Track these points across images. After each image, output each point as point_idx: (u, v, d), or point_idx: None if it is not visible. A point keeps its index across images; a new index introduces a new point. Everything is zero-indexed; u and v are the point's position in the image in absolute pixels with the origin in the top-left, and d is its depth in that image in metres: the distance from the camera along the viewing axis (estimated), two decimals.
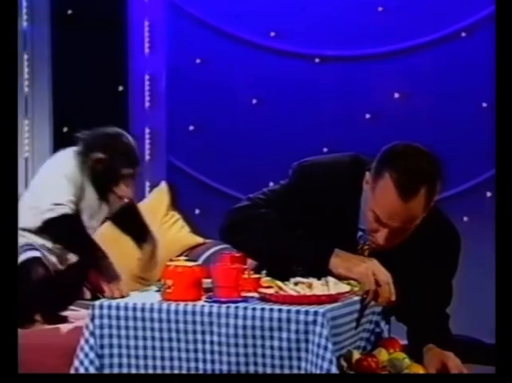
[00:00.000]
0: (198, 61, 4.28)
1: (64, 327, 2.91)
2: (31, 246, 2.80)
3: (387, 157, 2.40)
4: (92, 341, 2.30)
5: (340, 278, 2.36)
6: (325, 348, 2.17)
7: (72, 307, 3.28)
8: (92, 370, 2.30)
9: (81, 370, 2.31)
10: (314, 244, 2.40)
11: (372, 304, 2.36)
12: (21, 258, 2.78)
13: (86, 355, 2.31)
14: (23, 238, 2.82)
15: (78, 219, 2.79)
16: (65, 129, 4.32)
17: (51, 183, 2.82)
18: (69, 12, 4.29)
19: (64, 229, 2.78)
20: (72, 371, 2.32)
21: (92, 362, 2.31)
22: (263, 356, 2.21)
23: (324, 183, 2.45)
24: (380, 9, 4.12)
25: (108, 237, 3.13)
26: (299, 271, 2.40)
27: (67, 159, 2.85)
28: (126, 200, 2.88)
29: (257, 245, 2.45)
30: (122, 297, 2.53)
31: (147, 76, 4.35)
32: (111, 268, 2.75)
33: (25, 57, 4.29)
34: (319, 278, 2.34)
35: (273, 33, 4.23)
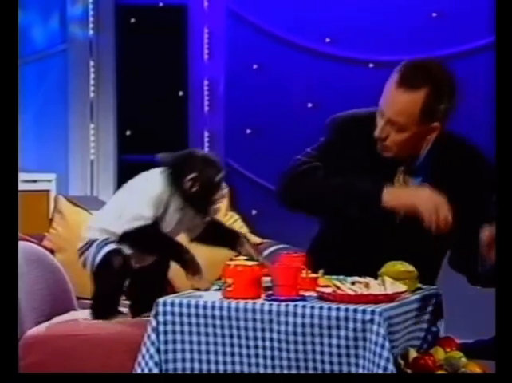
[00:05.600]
0: (255, 66, 4.34)
1: (129, 322, 2.99)
2: (107, 240, 2.91)
3: None
4: (153, 336, 2.36)
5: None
6: (382, 346, 2.20)
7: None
8: (151, 365, 2.36)
9: (143, 365, 2.37)
10: (366, 182, 2.52)
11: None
12: (102, 252, 2.89)
13: (147, 350, 2.37)
14: (100, 234, 2.93)
15: (156, 225, 2.85)
16: (128, 133, 4.42)
17: (137, 197, 2.89)
18: (132, 21, 4.41)
19: (143, 238, 2.84)
20: (135, 366, 2.40)
21: (151, 357, 2.36)
22: (322, 353, 2.26)
23: (356, 133, 2.61)
24: (434, 14, 4.14)
25: None
26: (355, 214, 2.50)
27: (154, 181, 2.90)
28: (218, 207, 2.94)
29: (310, 196, 2.58)
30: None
31: (206, 82, 4.42)
32: (194, 262, 2.80)
33: (91, 63, 4.41)
34: (376, 277, 2.39)
35: (328, 39, 4.28)
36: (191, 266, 2.78)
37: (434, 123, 2.53)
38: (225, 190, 2.90)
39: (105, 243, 2.89)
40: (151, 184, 2.90)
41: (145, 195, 2.87)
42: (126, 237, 2.87)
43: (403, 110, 2.49)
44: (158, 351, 2.38)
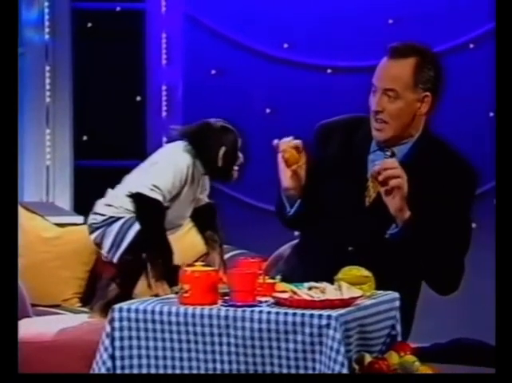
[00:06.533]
0: (213, 71, 4.35)
1: (85, 329, 2.97)
2: (134, 219, 2.86)
3: None
4: (107, 342, 2.36)
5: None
6: (337, 351, 2.22)
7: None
8: (103, 370, 2.35)
9: (96, 371, 2.36)
10: None
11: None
12: (135, 229, 2.84)
13: (101, 356, 2.37)
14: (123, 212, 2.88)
15: (163, 210, 2.83)
16: (85, 138, 4.40)
17: (161, 166, 2.87)
18: (89, 25, 4.39)
19: (147, 212, 2.82)
20: (90, 372, 2.38)
21: (104, 363, 2.36)
22: (279, 357, 2.27)
23: (338, 135, 2.80)
24: (390, 21, 4.19)
25: None
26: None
27: (179, 154, 2.89)
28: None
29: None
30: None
31: (164, 87, 4.42)
32: (161, 267, 2.79)
33: (47, 68, 4.38)
34: (332, 283, 2.41)
35: (286, 45, 4.31)
36: (158, 270, 2.76)
37: (425, 92, 2.67)
38: (240, 155, 2.95)
39: (131, 223, 2.84)
40: (175, 159, 2.88)
41: (168, 165, 2.86)
42: (134, 197, 2.83)
43: (397, 76, 2.67)
44: (111, 357, 2.37)
